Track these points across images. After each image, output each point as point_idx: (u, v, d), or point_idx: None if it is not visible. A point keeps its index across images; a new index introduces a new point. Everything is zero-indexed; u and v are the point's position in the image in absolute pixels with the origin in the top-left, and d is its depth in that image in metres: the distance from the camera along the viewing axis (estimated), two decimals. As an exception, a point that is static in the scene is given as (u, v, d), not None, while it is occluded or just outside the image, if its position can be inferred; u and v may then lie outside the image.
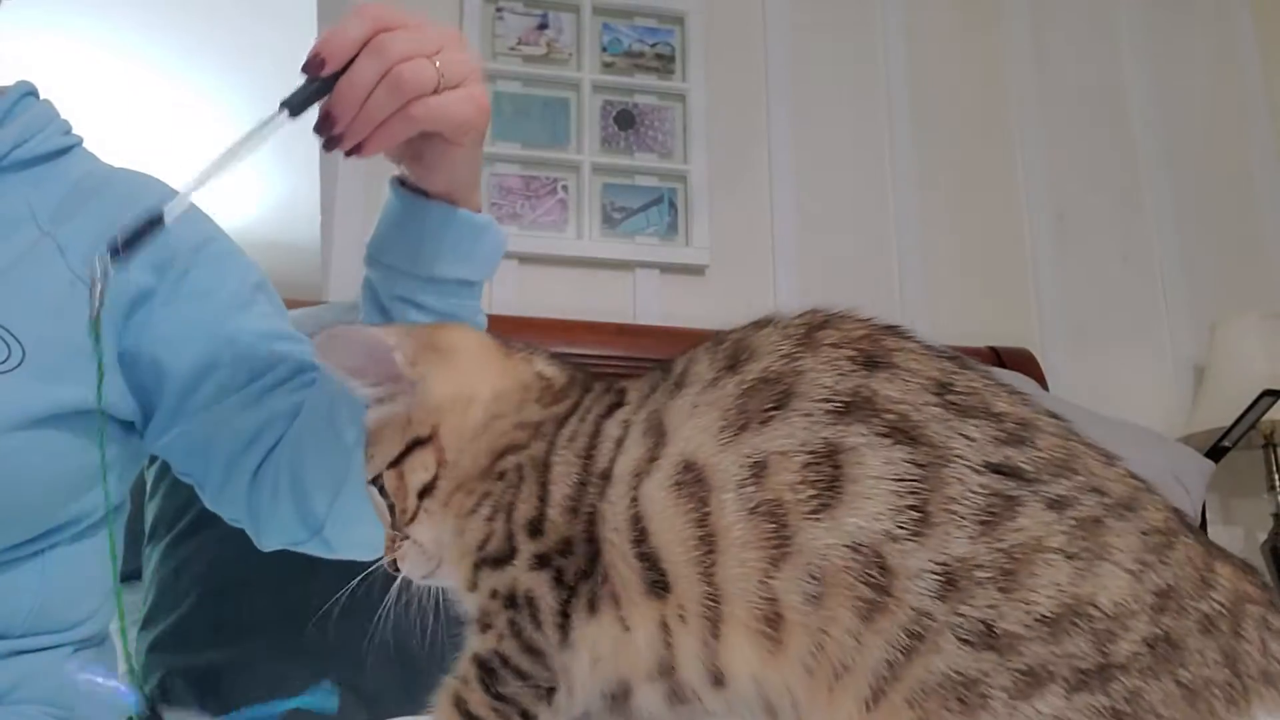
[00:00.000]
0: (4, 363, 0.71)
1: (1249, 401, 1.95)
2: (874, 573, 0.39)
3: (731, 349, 0.46)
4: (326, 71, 0.61)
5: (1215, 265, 2.35)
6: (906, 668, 0.39)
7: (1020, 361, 2.05)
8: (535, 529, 0.46)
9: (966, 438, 0.41)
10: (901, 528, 0.39)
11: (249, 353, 0.80)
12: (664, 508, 0.43)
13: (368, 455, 0.54)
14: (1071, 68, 2.40)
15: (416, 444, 0.51)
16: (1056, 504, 0.40)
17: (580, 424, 0.48)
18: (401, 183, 0.71)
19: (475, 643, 0.48)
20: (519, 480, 0.48)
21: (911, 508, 0.40)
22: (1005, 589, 0.38)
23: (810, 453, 0.41)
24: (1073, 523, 0.40)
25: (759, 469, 0.42)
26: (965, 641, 0.38)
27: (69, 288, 0.76)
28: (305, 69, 0.62)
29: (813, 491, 0.41)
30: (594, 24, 2.12)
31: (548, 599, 0.45)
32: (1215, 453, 1.94)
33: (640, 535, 0.44)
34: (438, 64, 0.61)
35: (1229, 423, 1.98)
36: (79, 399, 0.74)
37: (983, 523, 0.39)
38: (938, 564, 0.39)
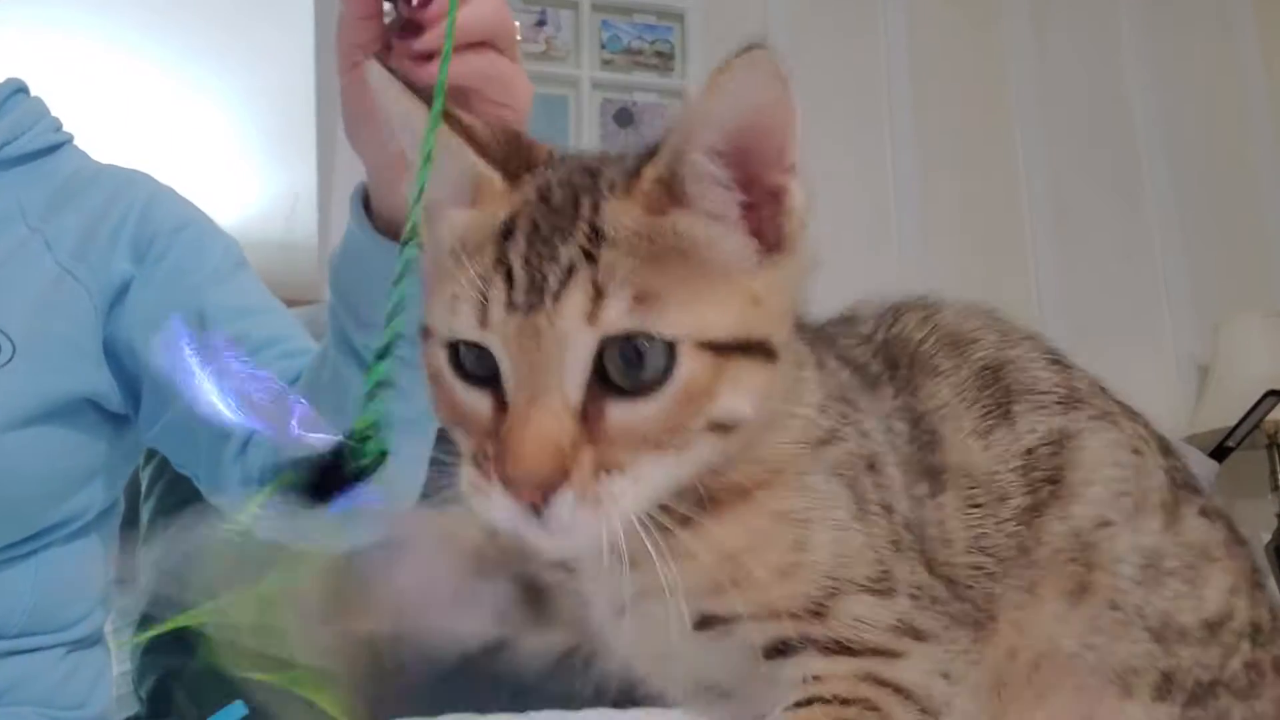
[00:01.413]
0: None
1: (1253, 401, 1.94)
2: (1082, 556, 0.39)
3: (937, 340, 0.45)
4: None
5: (1219, 264, 2.34)
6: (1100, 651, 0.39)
7: (1022, 361, 2.05)
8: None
9: (1142, 426, 0.43)
10: (1118, 514, 0.40)
11: (220, 330, 0.77)
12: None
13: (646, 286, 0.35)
14: (1073, 65, 2.40)
15: (759, 349, 0.38)
16: (1206, 513, 0.41)
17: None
18: (367, 211, 0.67)
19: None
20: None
21: (1124, 494, 0.40)
22: (1189, 582, 0.39)
23: (1049, 444, 0.41)
24: (1221, 534, 0.40)
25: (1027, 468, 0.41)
26: (1149, 630, 0.38)
27: (56, 281, 0.76)
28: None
29: (1041, 482, 0.41)
30: (593, 21, 2.11)
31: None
32: (1219, 453, 1.94)
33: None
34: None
35: (1233, 422, 1.97)
36: (68, 389, 0.74)
37: (1167, 513, 0.40)
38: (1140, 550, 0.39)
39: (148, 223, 0.80)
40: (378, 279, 0.58)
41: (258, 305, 0.81)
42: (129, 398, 0.81)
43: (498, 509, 0.35)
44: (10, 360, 0.72)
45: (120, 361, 0.79)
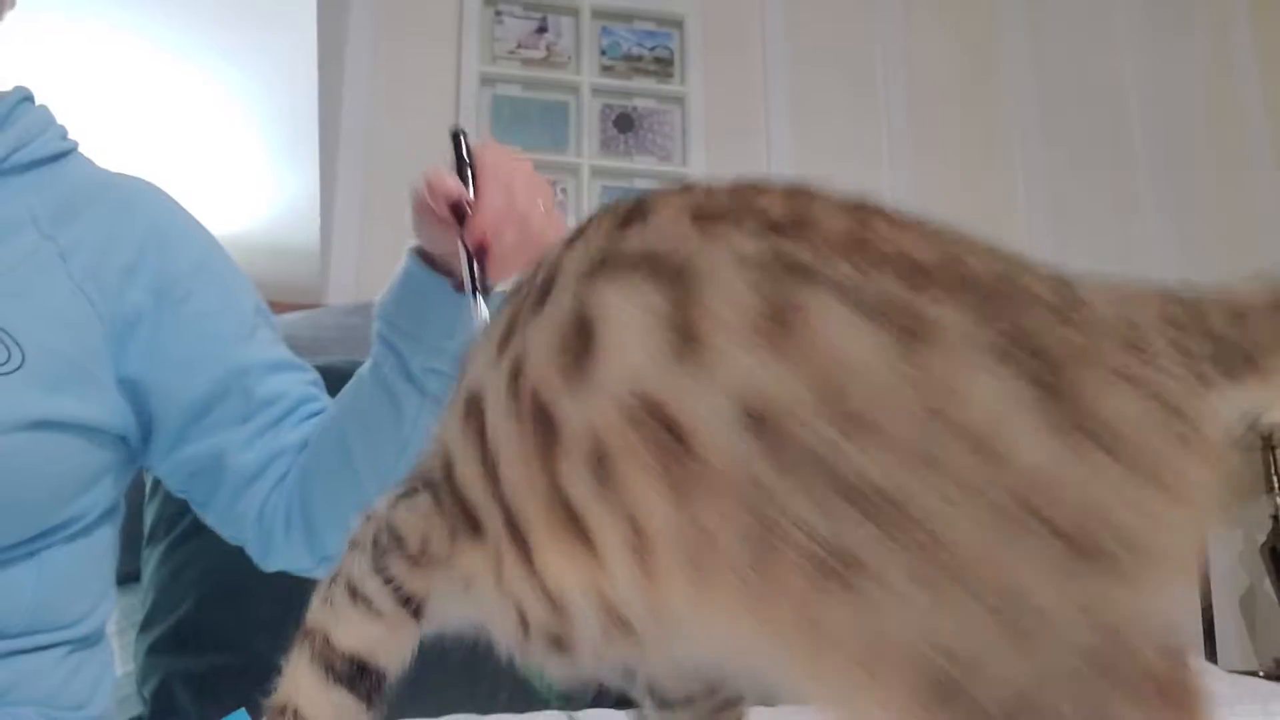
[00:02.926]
0: (4, 364, 0.71)
1: (1248, 403, 1.95)
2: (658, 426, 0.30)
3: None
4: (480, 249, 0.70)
5: (1214, 267, 2.34)
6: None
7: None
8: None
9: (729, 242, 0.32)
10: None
11: (257, 384, 0.81)
12: (459, 441, 0.38)
13: None
14: (1070, 70, 2.41)
15: None
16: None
17: None
18: (423, 256, 0.77)
19: None
20: None
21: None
22: None
23: (561, 324, 0.34)
24: None
25: (517, 370, 0.35)
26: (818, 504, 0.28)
27: (71, 298, 0.76)
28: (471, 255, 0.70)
29: (565, 362, 0.33)
30: (593, 27, 2.12)
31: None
32: (1214, 455, 1.94)
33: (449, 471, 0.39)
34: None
35: (1228, 424, 1.97)
36: (75, 413, 0.75)
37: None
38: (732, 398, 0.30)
39: (167, 257, 0.81)
40: (439, 311, 0.75)
41: (285, 360, 0.85)
42: (139, 428, 0.82)
43: None
44: (20, 368, 0.72)
45: (141, 399, 0.80)
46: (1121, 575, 0.27)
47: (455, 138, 0.75)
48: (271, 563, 0.84)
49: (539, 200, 0.73)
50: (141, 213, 0.82)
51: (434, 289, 0.75)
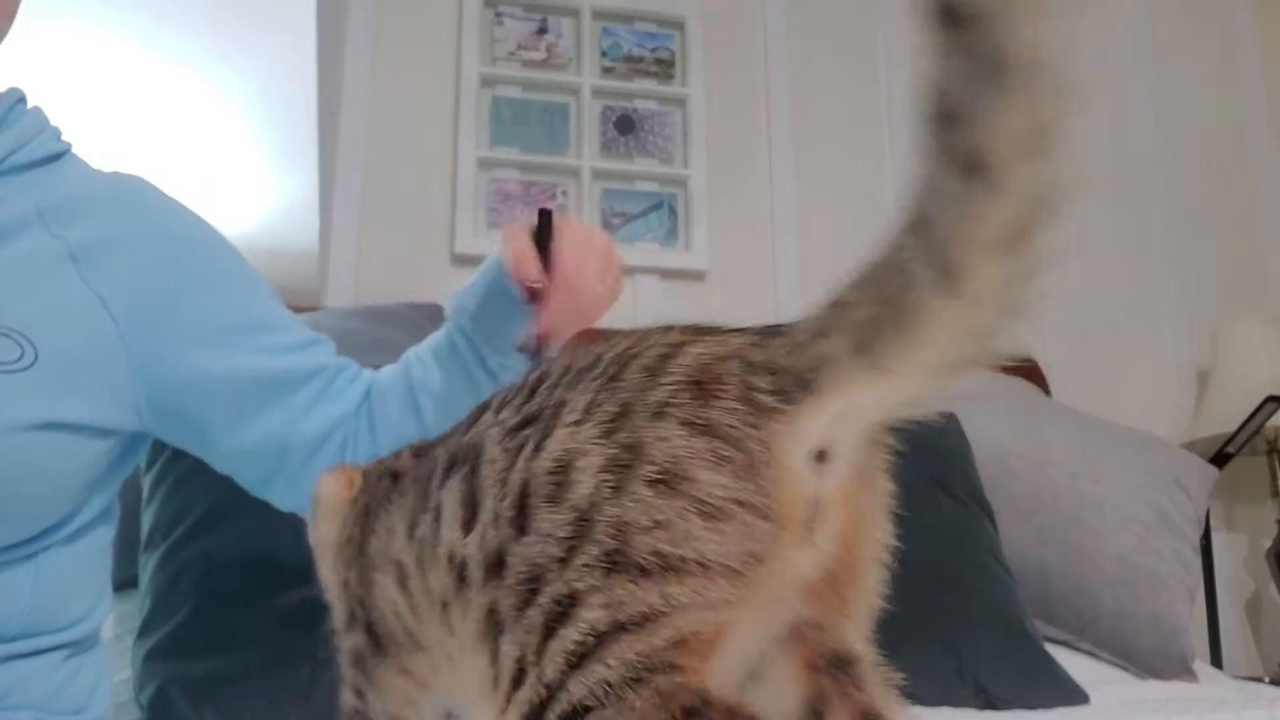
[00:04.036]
0: (17, 361, 0.72)
1: (1253, 407, 1.94)
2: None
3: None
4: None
5: (1217, 270, 2.34)
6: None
7: (1022, 367, 2.04)
8: None
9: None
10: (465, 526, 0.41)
11: (293, 361, 0.85)
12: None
13: None
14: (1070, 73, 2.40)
15: None
16: None
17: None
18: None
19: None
20: None
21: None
22: None
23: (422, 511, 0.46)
24: None
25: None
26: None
27: (84, 300, 0.76)
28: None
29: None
30: (593, 29, 2.12)
31: None
32: (1219, 459, 1.94)
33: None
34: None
35: (1233, 429, 1.97)
36: (83, 413, 0.75)
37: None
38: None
39: (180, 256, 0.82)
40: (519, 325, 0.82)
41: (311, 336, 0.89)
42: (156, 424, 0.83)
43: None
44: (33, 365, 0.72)
45: (167, 395, 0.81)
46: (652, 582, 0.33)
47: (543, 216, 0.85)
48: (287, 506, 0.89)
49: (606, 280, 0.85)
50: (150, 214, 0.83)
51: (517, 308, 0.82)
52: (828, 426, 0.32)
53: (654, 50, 2.14)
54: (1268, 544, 2.09)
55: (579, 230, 0.85)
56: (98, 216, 0.79)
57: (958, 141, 0.32)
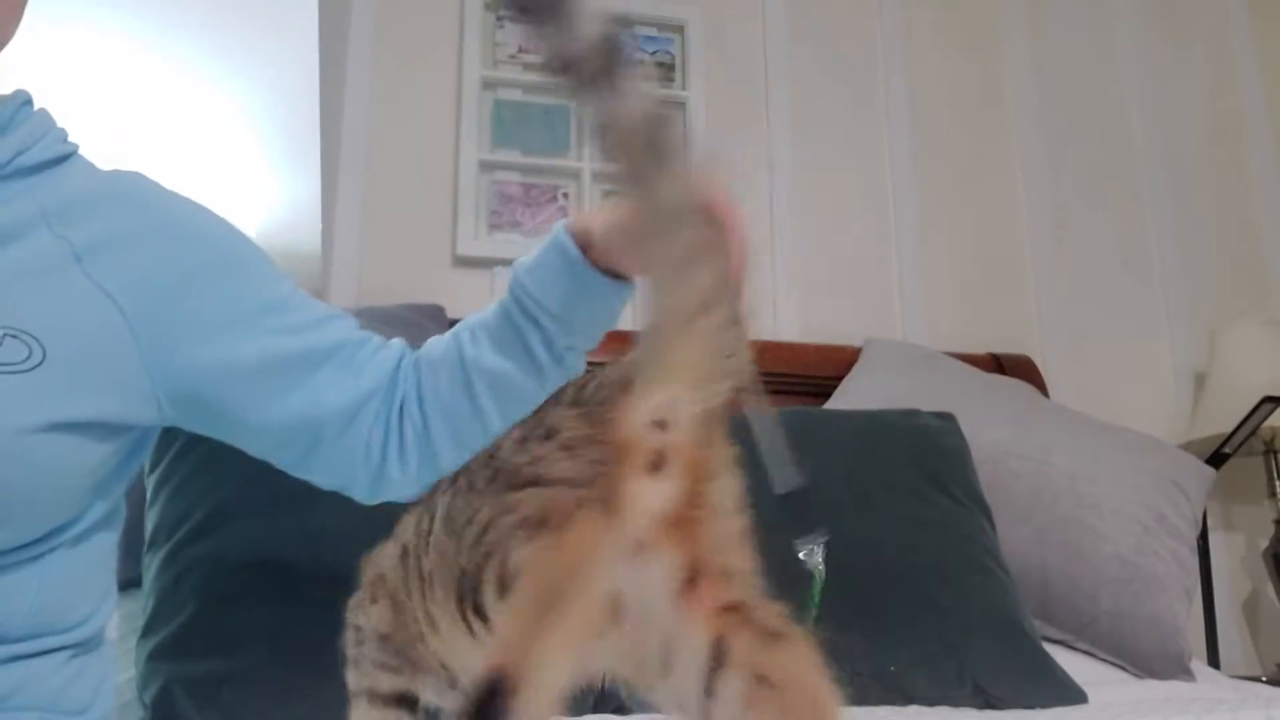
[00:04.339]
0: (24, 361, 0.72)
1: (1249, 408, 1.95)
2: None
3: None
4: None
5: (1214, 272, 2.35)
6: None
7: (1021, 368, 2.05)
8: None
9: None
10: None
11: (314, 336, 0.83)
12: None
13: None
14: (1070, 74, 2.41)
15: None
16: None
17: None
18: (576, 242, 0.79)
19: None
20: None
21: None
22: None
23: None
24: None
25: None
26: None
27: (90, 297, 0.76)
28: None
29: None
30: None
31: None
32: (1216, 459, 1.94)
33: None
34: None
35: (1230, 429, 1.98)
36: (94, 409, 0.75)
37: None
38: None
39: (188, 246, 0.82)
40: (597, 305, 0.79)
41: (330, 311, 0.87)
42: (205, 418, 0.83)
43: None
44: (41, 364, 0.72)
45: (188, 385, 0.80)
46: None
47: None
48: (379, 495, 0.86)
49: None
50: (153, 207, 0.83)
51: (597, 285, 0.78)
52: (659, 408, 0.43)
53: (654, 54, 2.15)
54: (1265, 544, 2.10)
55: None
56: (100, 214, 0.79)
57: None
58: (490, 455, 0.54)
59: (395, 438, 0.83)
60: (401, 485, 0.84)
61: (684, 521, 0.44)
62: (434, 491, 0.57)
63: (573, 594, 0.39)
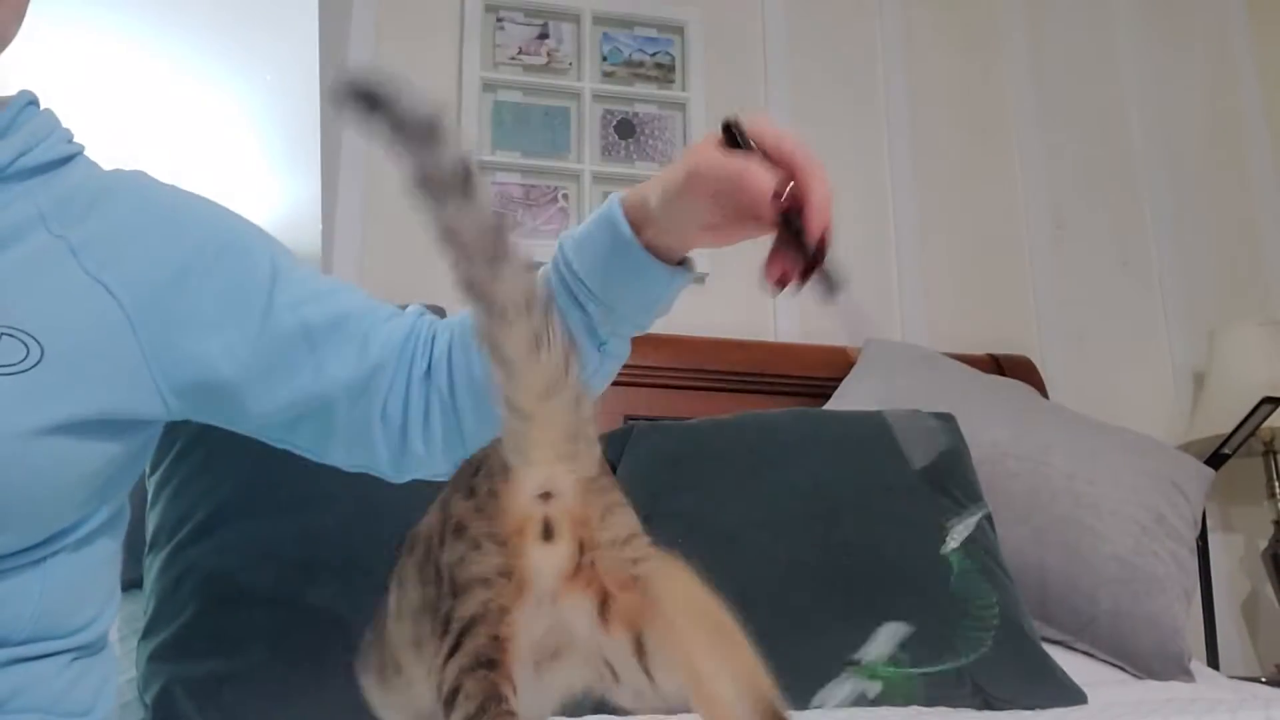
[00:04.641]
0: (21, 362, 0.71)
1: (1248, 408, 1.95)
2: None
3: None
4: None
5: (1213, 273, 2.36)
6: None
7: (1020, 369, 2.05)
8: None
9: None
10: None
11: (316, 309, 0.80)
12: None
13: None
14: (1069, 75, 2.41)
15: None
16: None
17: None
18: (630, 219, 0.73)
19: None
20: None
21: None
22: None
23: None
24: None
25: None
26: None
27: (87, 291, 0.76)
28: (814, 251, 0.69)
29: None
30: (594, 34, 2.13)
31: None
32: (1215, 460, 1.94)
33: None
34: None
35: (1229, 430, 1.98)
36: (96, 409, 0.74)
37: None
38: None
39: (186, 233, 0.81)
40: (647, 290, 0.74)
41: (333, 284, 0.84)
42: (212, 407, 0.81)
43: None
44: (39, 364, 0.72)
45: (195, 370, 0.78)
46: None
47: (728, 129, 0.71)
48: (406, 472, 0.83)
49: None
50: (149, 200, 0.82)
51: (650, 270, 0.72)
52: (542, 483, 0.49)
53: (654, 55, 2.15)
54: (1264, 544, 2.10)
55: (777, 131, 0.73)
56: (96, 209, 0.79)
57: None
58: (426, 548, 0.56)
59: (418, 409, 0.80)
60: (428, 460, 0.81)
61: (582, 568, 0.50)
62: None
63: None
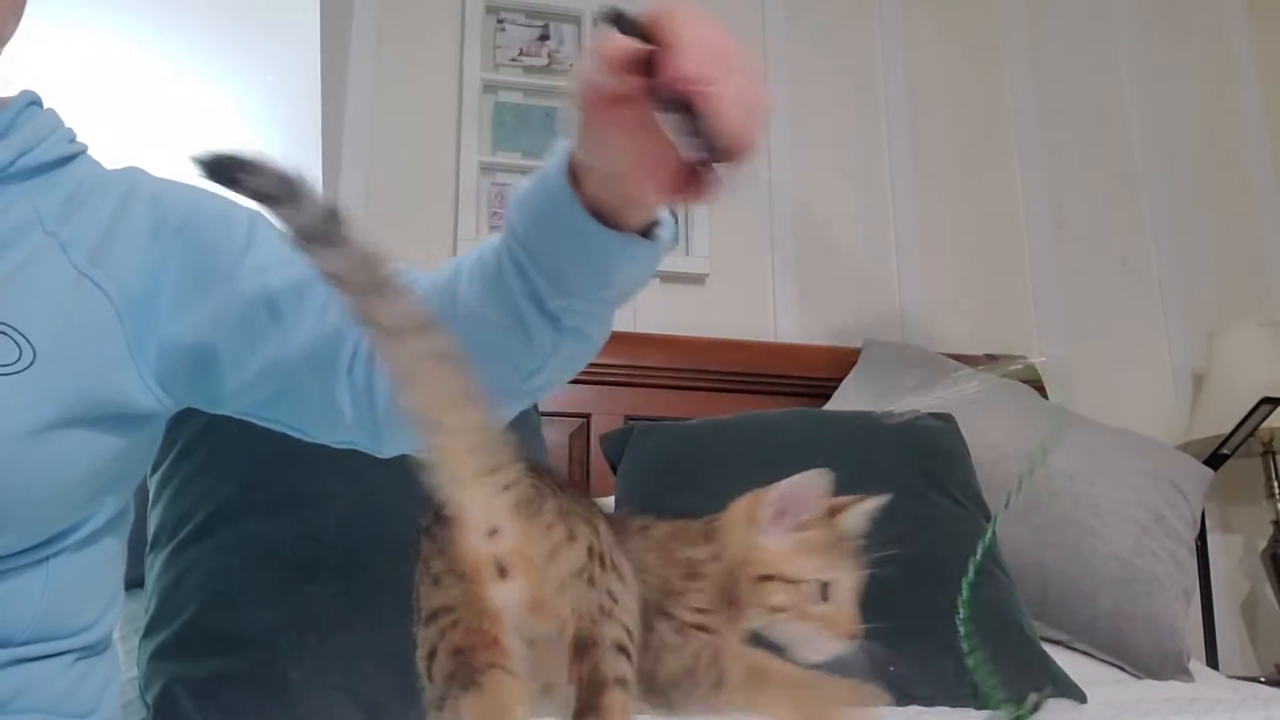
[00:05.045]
0: (15, 362, 0.71)
1: (1247, 409, 1.95)
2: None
3: None
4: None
5: (1213, 274, 2.36)
6: None
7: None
8: None
9: None
10: None
11: (278, 277, 0.77)
12: None
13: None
14: (1069, 75, 2.41)
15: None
16: None
17: None
18: (575, 183, 0.61)
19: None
20: None
21: None
22: None
23: None
24: None
25: None
26: None
27: (75, 284, 0.76)
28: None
29: None
30: (594, 35, 2.13)
31: None
32: (1214, 460, 1.95)
33: None
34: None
35: (1228, 430, 1.98)
36: (94, 396, 0.74)
37: None
38: None
39: (168, 216, 0.80)
40: (593, 261, 0.62)
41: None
42: (192, 390, 0.80)
43: None
44: (32, 364, 0.72)
45: (185, 353, 0.78)
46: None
47: (615, 19, 0.51)
48: (386, 444, 0.79)
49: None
50: (139, 191, 0.82)
51: (586, 229, 0.61)
52: (483, 519, 0.51)
53: (654, 55, 2.15)
54: (1263, 545, 2.10)
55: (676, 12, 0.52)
56: (87, 206, 0.79)
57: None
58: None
59: (382, 370, 0.70)
60: (402, 438, 0.77)
61: (540, 603, 0.52)
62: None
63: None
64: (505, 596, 0.51)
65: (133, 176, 0.85)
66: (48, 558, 0.76)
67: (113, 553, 0.84)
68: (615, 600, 0.55)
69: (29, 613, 0.74)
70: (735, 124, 0.54)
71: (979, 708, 1.26)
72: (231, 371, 0.78)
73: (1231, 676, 1.84)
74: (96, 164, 0.85)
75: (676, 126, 0.52)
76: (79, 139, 0.85)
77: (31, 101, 0.83)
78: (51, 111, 0.84)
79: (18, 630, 0.74)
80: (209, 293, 0.78)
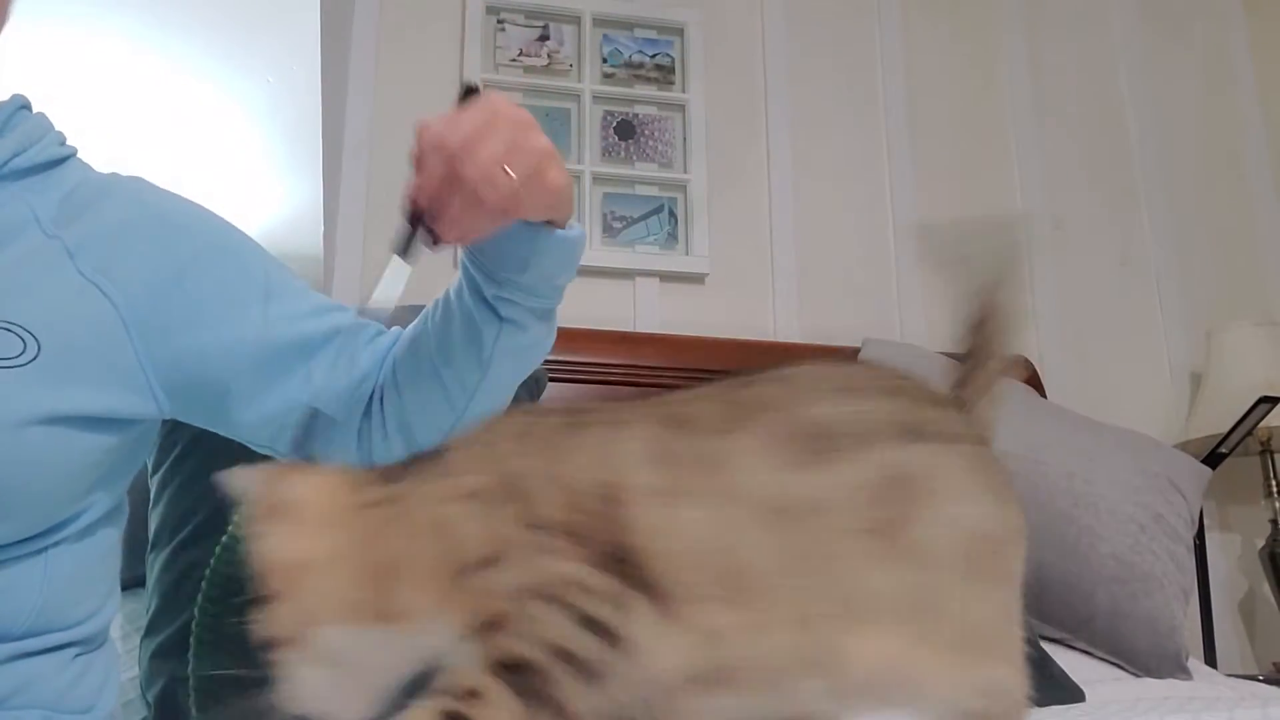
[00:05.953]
0: (19, 356, 0.72)
1: (1246, 408, 1.96)
2: None
3: None
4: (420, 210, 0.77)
5: (1211, 273, 2.36)
6: None
7: (1017, 368, 2.06)
8: None
9: None
10: None
11: (309, 324, 0.83)
12: None
13: None
14: (1067, 75, 2.42)
15: None
16: None
17: None
18: None
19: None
20: None
21: None
22: None
23: None
24: None
25: None
26: None
27: (80, 292, 0.77)
28: (408, 216, 0.77)
29: None
30: (594, 35, 2.14)
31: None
32: (1212, 459, 1.95)
33: None
34: (508, 170, 0.72)
35: (1226, 429, 1.98)
36: (90, 402, 0.75)
37: None
38: None
39: (179, 240, 0.82)
40: (509, 250, 0.76)
41: (325, 302, 0.86)
42: (192, 408, 0.82)
43: None
44: (35, 358, 0.73)
45: (187, 371, 0.80)
46: None
47: (467, 91, 0.77)
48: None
49: (516, 168, 0.72)
50: (147, 203, 0.83)
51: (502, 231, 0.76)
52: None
53: (654, 56, 2.16)
54: (1261, 543, 2.10)
55: (487, 106, 0.75)
56: (91, 211, 0.80)
57: None
58: None
59: (378, 420, 0.83)
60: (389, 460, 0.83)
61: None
62: None
63: None
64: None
65: (138, 185, 0.85)
66: (47, 548, 0.76)
67: (111, 543, 0.84)
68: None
69: (28, 604, 0.75)
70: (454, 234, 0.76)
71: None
72: (249, 404, 0.81)
73: (1230, 675, 1.84)
74: (88, 167, 0.86)
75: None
76: (78, 139, 0.86)
77: (22, 105, 0.84)
78: (42, 115, 0.85)
79: (17, 623, 0.75)
80: (235, 320, 0.81)
